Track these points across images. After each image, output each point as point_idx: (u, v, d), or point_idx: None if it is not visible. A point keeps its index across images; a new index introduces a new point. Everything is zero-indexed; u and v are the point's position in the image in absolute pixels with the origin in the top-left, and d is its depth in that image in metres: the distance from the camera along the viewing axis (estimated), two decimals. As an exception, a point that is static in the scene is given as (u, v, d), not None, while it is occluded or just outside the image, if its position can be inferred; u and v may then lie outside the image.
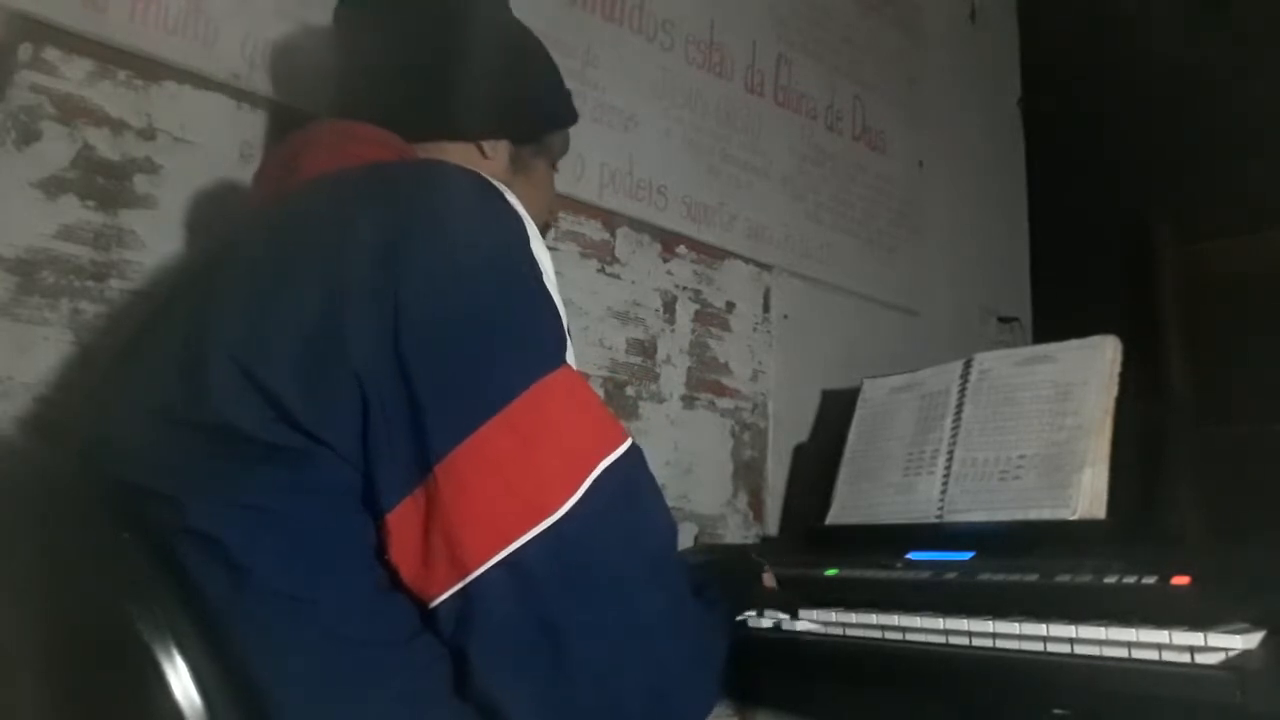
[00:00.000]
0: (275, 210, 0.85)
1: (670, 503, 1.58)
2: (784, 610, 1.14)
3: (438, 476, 0.68)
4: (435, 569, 0.69)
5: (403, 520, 0.69)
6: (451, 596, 0.68)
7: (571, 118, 1.13)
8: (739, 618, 1.14)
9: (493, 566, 0.67)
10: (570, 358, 0.76)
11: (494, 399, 0.70)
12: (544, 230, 0.81)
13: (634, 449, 0.76)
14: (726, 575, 1.12)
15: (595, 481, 0.71)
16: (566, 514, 0.69)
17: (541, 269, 0.77)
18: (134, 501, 0.71)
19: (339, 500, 0.70)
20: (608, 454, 0.73)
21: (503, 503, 0.68)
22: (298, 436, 0.69)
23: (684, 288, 1.73)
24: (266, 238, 0.82)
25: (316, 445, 0.69)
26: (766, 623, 1.15)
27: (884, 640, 1.06)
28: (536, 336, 0.75)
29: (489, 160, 1.00)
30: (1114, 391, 1.29)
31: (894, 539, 1.34)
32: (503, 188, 0.80)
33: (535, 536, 0.68)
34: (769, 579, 1.17)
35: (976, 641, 0.98)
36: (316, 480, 0.70)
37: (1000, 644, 0.96)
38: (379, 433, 0.69)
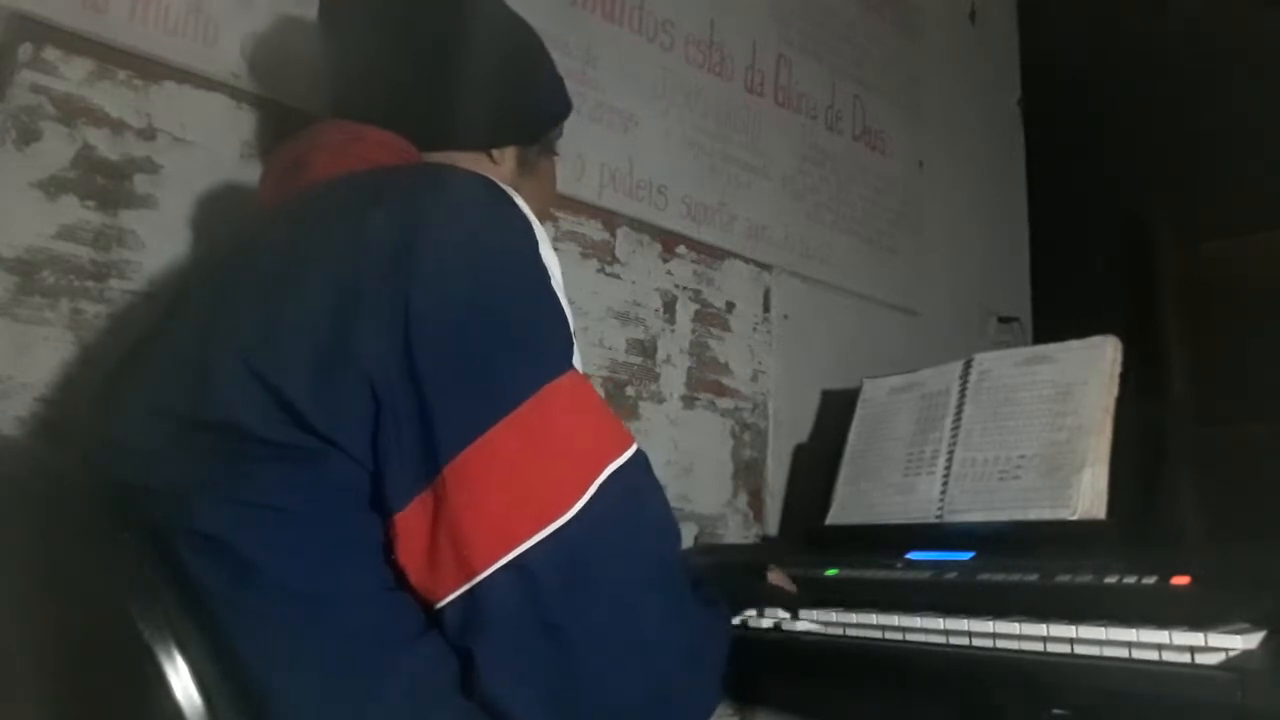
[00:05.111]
0: (283, 212, 0.85)
1: (670, 503, 1.58)
2: (786, 608, 1.14)
3: (446, 478, 0.68)
4: (442, 570, 0.69)
5: (411, 521, 0.69)
6: (458, 598, 0.68)
7: (569, 108, 1.13)
8: (741, 616, 1.14)
9: (499, 569, 0.68)
10: (577, 362, 0.76)
11: (503, 402, 0.70)
12: (543, 219, 0.81)
13: (639, 454, 0.76)
14: (727, 573, 1.12)
15: (601, 486, 0.71)
16: (573, 518, 0.69)
17: (550, 273, 0.77)
18: (135, 501, 0.72)
19: (348, 500, 0.71)
20: (614, 458, 0.73)
21: (510, 506, 0.69)
22: (307, 437, 0.69)
23: (684, 288, 1.73)
24: (275, 240, 0.82)
25: (326, 445, 0.69)
26: (766, 622, 1.15)
27: (884, 640, 1.06)
28: (545, 340, 0.75)
29: (498, 166, 1.00)
30: (1114, 391, 1.29)
31: (894, 539, 1.34)
32: (511, 192, 0.80)
33: (542, 540, 0.68)
34: (776, 577, 1.17)
35: (976, 641, 0.98)
36: (326, 480, 0.70)
37: (1000, 644, 0.96)
38: (389, 434, 0.69)
